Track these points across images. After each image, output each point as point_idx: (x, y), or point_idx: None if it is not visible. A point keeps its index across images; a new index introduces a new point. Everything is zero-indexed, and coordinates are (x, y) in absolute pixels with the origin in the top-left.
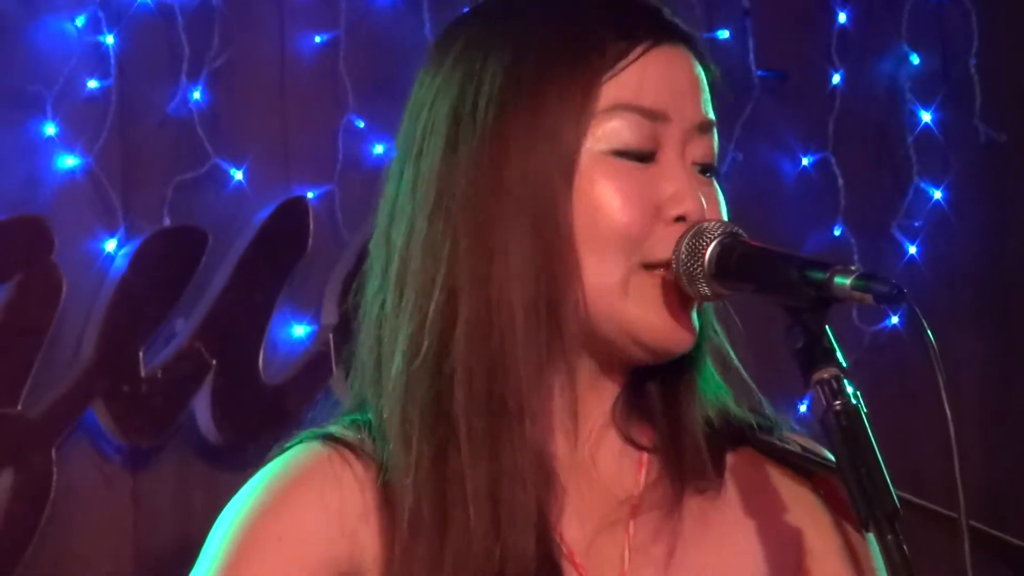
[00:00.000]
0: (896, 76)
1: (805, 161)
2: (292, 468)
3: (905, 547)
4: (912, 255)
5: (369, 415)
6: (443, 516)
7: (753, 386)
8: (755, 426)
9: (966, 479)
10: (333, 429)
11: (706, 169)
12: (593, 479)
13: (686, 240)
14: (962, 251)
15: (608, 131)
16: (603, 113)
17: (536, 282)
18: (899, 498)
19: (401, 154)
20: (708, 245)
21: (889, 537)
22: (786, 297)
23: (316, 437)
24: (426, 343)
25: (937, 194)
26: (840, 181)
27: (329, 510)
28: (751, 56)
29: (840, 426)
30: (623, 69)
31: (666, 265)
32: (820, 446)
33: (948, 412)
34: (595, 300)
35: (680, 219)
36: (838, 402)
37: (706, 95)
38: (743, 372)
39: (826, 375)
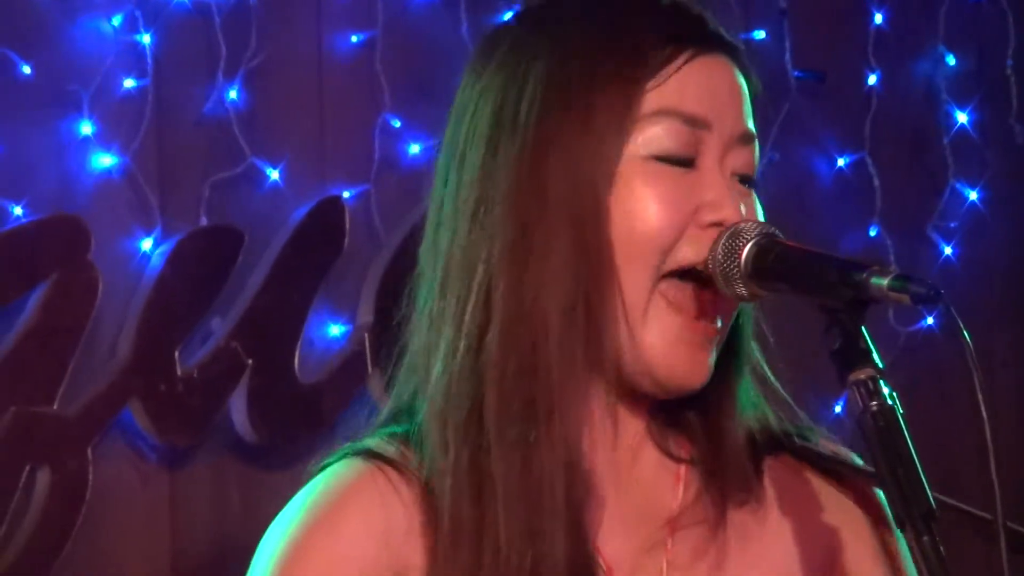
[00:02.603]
0: (932, 77)
1: (841, 162)
2: (336, 489)
3: (941, 548)
4: (948, 256)
5: (406, 427)
6: (480, 520)
7: (787, 397)
8: (792, 433)
9: (1003, 480)
10: (371, 443)
11: (745, 179)
12: (632, 493)
13: (723, 240)
14: (998, 252)
15: (650, 136)
16: (645, 118)
17: (575, 285)
18: (936, 500)
19: (445, 159)
20: (745, 245)
21: (925, 538)
22: (823, 297)
23: (356, 453)
24: (462, 346)
25: (973, 195)
26: (876, 182)
27: (375, 532)
28: (787, 57)
29: (877, 427)
30: (668, 76)
31: (691, 271)
32: (851, 452)
33: (984, 413)
34: (622, 315)
35: (716, 224)
36: (875, 403)
37: (747, 106)
38: (775, 382)
39: (863, 376)
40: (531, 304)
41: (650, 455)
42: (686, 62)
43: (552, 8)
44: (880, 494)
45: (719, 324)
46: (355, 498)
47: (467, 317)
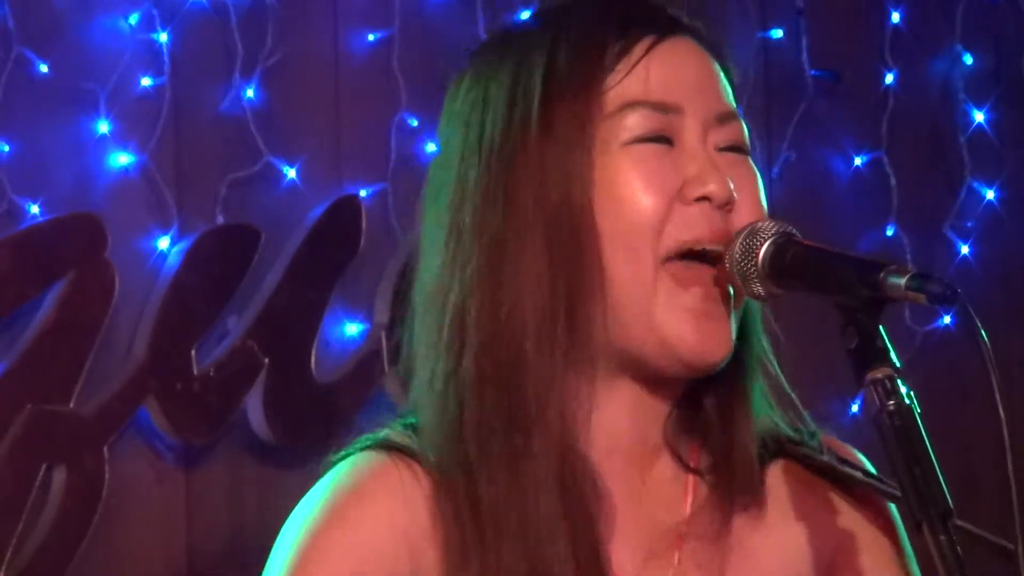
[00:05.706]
0: (949, 76)
1: (858, 161)
2: (357, 481)
3: (959, 548)
4: (964, 255)
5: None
6: (481, 541)
7: (795, 399)
8: (794, 439)
9: (1020, 479)
10: (390, 435)
11: (734, 148)
12: (644, 502)
13: (740, 240)
14: (1015, 251)
15: (619, 129)
16: (611, 115)
17: (552, 292)
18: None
19: (428, 190)
20: (762, 245)
21: (942, 538)
22: (840, 296)
23: (375, 445)
24: (439, 369)
25: (990, 194)
26: (893, 181)
27: (396, 527)
28: (804, 56)
29: (894, 426)
30: (627, 71)
31: (692, 252)
32: (855, 451)
33: (1002, 412)
34: (623, 302)
35: (703, 199)
36: (892, 402)
37: (723, 86)
38: (784, 383)
39: (880, 375)
40: (505, 320)
41: (665, 465)
42: (645, 52)
43: (509, 30)
44: (890, 505)
45: (732, 292)
46: (377, 491)
47: (443, 341)
